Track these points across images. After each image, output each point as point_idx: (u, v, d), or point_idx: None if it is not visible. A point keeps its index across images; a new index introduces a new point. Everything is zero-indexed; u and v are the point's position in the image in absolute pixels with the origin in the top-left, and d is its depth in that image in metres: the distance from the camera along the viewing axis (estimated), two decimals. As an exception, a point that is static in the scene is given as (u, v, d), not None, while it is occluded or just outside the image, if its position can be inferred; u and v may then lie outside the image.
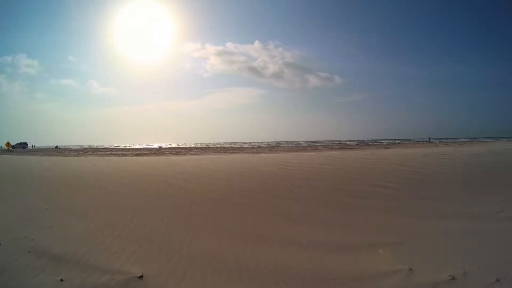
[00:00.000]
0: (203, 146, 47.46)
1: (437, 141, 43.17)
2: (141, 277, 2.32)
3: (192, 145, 52.26)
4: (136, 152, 25.21)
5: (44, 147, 51.69)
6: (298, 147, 33.48)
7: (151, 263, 2.56)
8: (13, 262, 2.60)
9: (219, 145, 50.09)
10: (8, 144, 38.83)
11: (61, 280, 2.29)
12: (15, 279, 2.35)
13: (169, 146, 48.91)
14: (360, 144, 38.67)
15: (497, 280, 2.16)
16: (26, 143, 44.97)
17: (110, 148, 42.77)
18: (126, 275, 2.35)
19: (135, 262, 2.59)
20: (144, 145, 62.45)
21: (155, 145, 58.04)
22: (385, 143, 42.89)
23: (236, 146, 43.25)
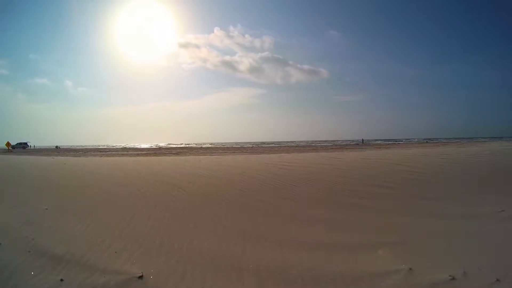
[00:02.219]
0: (203, 146, 47.43)
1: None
2: (141, 277, 2.32)
3: (193, 145, 52.26)
4: (136, 152, 25.20)
5: (45, 147, 51.67)
6: (298, 147, 33.47)
7: (151, 263, 2.56)
8: (13, 262, 2.60)
9: (219, 145, 50.05)
10: (8, 144, 38.84)
11: (61, 280, 2.29)
12: (15, 279, 2.35)
13: (169, 146, 48.88)
14: (352, 145, 38.52)
15: (497, 280, 2.16)
16: (26, 143, 44.99)
17: (110, 148, 42.75)
18: (126, 275, 2.35)
19: (135, 262, 2.59)
20: (144, 145, 62.39)
21: (155, 145, 58.00)
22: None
23: (236, 146, 43.22)
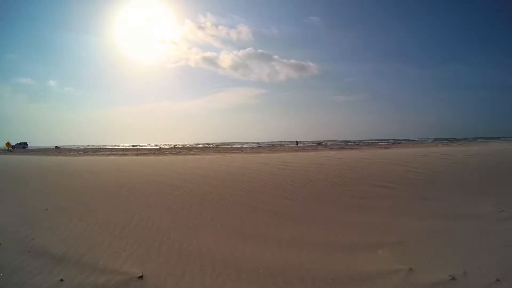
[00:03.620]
0: (203, 146, 47.48)
1: (304, 144, 41.70)
2: (141, 277, 2.32)
3: (193, 145, 52.28)
4: (136, 152, 25.21)
5: (45, 147, 51.69)
6: (298, 147, 33.47)
7: (150, 263, 2.56)
8: (13, 262, 2.60)
9: (219, 145, 50.09)
10: (8, 144, 38.84)
11: (61, 280, 2.29)
12: (15, 278, 2.35)
13: (169, 146, 48.91)
14: (346, 145, 38.44)
15: (497, 280, 2.16)
16: (26, 143, 44.97)
17: (110, 148, 42.77)
18: (126, 275, 2.34)
19: (135, 262, 2.58)
20: (144, 145, 62.44)
21: (155, 145, 58.04)
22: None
23: (236, 146, 43.24)
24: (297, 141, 47.95)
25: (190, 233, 3.28)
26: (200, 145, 52.65)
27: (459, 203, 4.29)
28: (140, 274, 2.35)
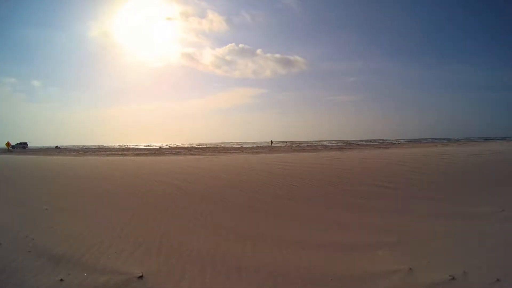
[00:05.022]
0: (203, 146, 47.46)
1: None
2: (141, 277, 2.32)
3: (193, 145, 52.28)
4: (136, 152, 25.20)
5: (45, 147, 51.67)
6: (298, 147, 33.46)
7: (150, 263, 2.56)
8: (13, 262, 2.60)
9: (219, 145, 50.07)
10: (8, 144, 38.84)
11: (61, 280, 2.29)
12: (15, 278, 2.35)
13: (169, 146, 48.89)
14: (341, 145, 38.40)
15: (497, 280, 2.15)
16: (26, 143, 44.97)
17: (110, 148, 42.76)
18: (126, 275, 2.34)
19: (135, 262, 2.58)
20: (145, 145, 62.41)
21: (155, 145, 58.01)
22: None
23: (236, 146, 43.24)
24: (271, 141, 48.44)
25: (190, 233, 3.28)
26: (200, 145, 52.67)
27: (459, 203, 4.29)
28: (140, 274, 2.35)
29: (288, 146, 40.06)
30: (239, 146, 43.07)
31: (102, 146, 64.08)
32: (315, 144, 44.30)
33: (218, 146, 43.30)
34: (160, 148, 37.53)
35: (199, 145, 49.88)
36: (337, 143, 53.05)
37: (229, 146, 44.93)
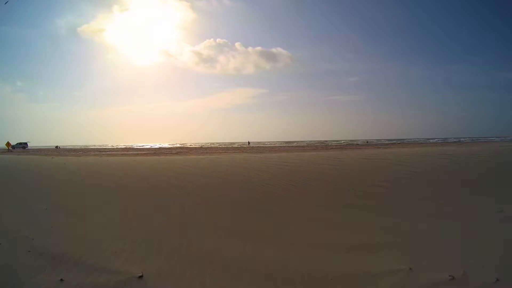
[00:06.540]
0: (203, 146, 47.48)
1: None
2: (141, 277, 2.32)
3: (193, 145, 52.30)
4: (136, 152, 25.20)
5: (45, 147, 51.68)
6: (298, 147, 33.45)
7: (150, 263, 2.56)
8: (13, 262, 2.60)
9: (218, 145, 50.10)
10: (8, 144, 38.82)
11: (61, 280, 2.29)
12: (15, 279, 2.35)
13: (169, 146, 48.91)
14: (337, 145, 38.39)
15: (497, 280, 2.16)
16: (26, 143, 44.96)
17: (110, 148, 42.77)
18: (126, 275, 2.34)
19: (135, 262, 2.58)
20: (144, 145, 62.42)
21: (156, 145, 58.03)
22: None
23: (236, 146, 43.24)
24: (249, 141, 48.66)
25: (190, 233, 3.28)
26: (200, 145, 52.69)
27: (459, 203, 4.28)
28: (140, 274, 2.35)
29: (266, 146, 39.06)
30: (229, 146, 43.03)
31: (102, 146, 64.10)
32: (316, 144, 44.31)
33: (218, 146, 43.29)
34: (160, 148, 37.53)
35: (199, 145, 49.93)
36: (338, 142, 53.11)
37: (229, 146, 44.92)
